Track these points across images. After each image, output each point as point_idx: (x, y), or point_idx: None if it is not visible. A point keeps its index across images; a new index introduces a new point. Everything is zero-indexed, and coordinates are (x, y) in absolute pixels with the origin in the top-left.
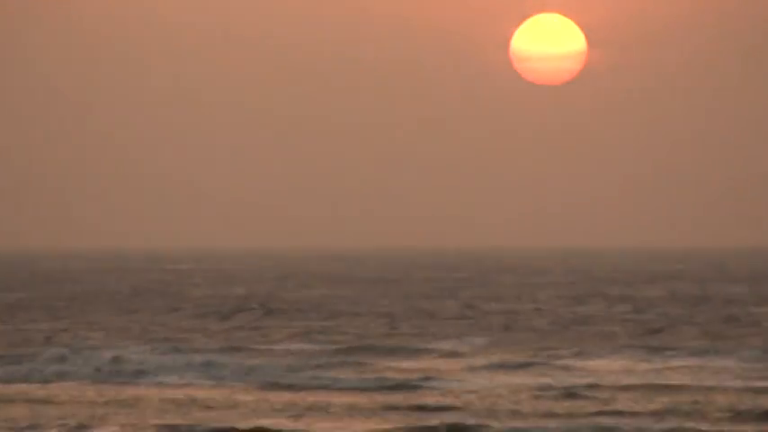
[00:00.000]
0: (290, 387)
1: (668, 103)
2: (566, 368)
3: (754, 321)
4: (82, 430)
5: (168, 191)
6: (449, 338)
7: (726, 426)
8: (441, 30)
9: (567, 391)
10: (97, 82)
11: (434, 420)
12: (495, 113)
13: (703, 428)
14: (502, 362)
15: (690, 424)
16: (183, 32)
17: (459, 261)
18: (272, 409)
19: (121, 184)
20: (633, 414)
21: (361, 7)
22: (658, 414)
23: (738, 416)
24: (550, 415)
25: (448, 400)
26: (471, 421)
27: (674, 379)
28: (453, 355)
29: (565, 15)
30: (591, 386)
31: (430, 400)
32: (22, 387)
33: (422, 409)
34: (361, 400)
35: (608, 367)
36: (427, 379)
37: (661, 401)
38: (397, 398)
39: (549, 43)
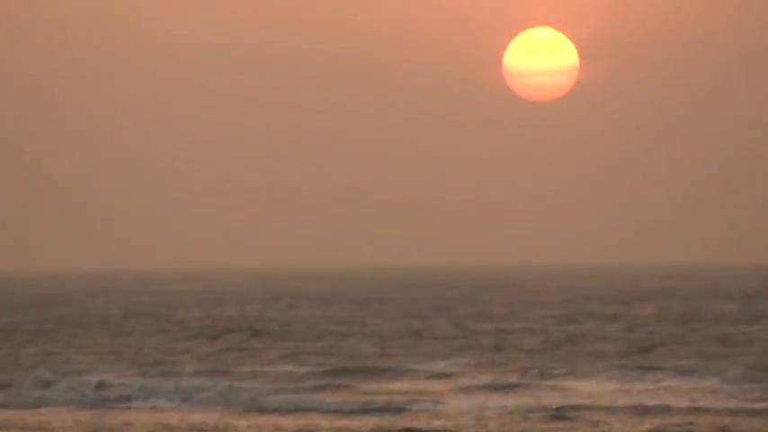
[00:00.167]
0: (278, 410)
1: (662, 118)
2: (555, 388)
3: (747, 340)
4: None
5: (160, 213)
6: (438, 359)
7: None
8: (432, 45)
9: (556, 412)
10: (85, 101)
11: None
12: (488, 129)
13: None
14: (491, 382)
15: None
16: (178, 44)
17: (449, 279)
18: None
19: (112, 206)
20: None
21: (353, 21)
22: None
23: None
24: None
25: (437, 423)
26: None
27: (665, 400)
28: (443, 375)
29: (557, 29)
30: (580, 407)
31: (419, 422)
32: (8, 413)
33: (411, 431)
34: (350, 423)
35: (598, 387)
36: (416, 401)
37: (651, 422)
38: (386, 420)
39: (541, 58)
